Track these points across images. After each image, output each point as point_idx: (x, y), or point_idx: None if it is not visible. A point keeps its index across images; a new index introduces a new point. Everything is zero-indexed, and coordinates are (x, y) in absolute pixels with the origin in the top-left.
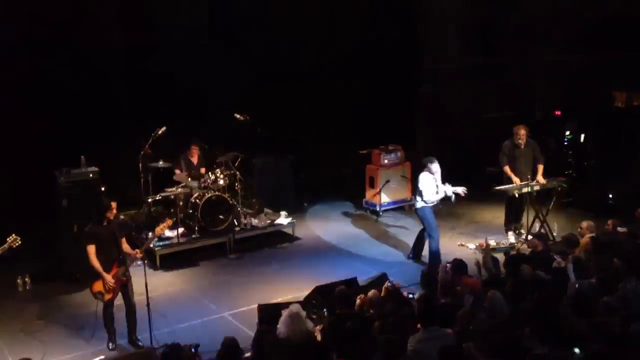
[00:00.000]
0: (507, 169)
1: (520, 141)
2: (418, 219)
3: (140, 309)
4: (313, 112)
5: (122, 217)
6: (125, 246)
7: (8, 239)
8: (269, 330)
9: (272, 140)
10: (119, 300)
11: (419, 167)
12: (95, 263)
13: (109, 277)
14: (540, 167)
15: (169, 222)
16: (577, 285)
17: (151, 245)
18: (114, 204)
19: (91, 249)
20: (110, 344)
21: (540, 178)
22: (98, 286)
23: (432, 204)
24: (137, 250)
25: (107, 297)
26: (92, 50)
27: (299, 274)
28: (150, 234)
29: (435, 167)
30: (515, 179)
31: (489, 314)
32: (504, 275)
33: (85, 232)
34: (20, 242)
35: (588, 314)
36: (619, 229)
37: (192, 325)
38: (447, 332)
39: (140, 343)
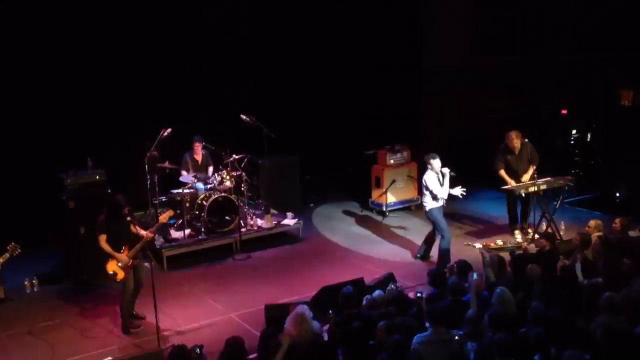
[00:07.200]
0: (502, 172)
1: (515, 146)
2: (425, 219)
3: (148, 310)
4: (319, 113)
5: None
6: (136, 229)
7: (8, 247)
8: (275, 331)
9: (278, 140)
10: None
11: (425, 167)
12: (106, 247)
13: (122, 256)
14: (531, 169)
15: (171, 211)
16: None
17: (157, 246)
18: (126, 210)
19: (102, 237)
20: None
21: (525, 177)
22: (112, 266)
23: (441, 204)
24: (150, 230)
25: (120, 276)
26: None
27: (305, 275)
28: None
29: (437, 162)
30: (510, 182)
31: (496, 311)
32: (510, 275)
33: (97, 224)
34: (20, 251)
35: (595, 314)
36: (630, 233)
37: (198, 326)
38: (454, 338)
39: (141, 315)
